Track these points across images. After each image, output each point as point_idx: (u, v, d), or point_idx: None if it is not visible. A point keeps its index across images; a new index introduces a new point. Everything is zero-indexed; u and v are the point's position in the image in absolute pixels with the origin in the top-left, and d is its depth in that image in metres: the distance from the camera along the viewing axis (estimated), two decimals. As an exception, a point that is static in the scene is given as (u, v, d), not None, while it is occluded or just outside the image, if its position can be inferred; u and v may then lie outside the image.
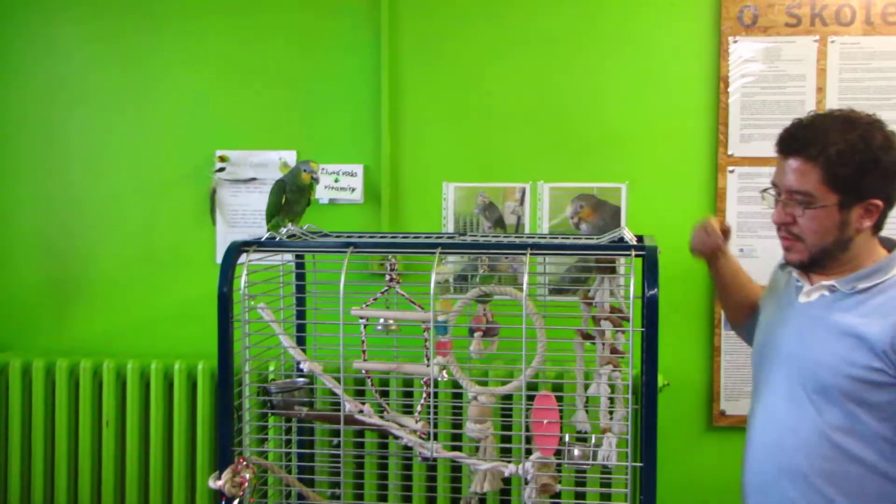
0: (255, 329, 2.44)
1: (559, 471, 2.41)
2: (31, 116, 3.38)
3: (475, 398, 2.37)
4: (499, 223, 3.16)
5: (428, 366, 2.30)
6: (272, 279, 2.63)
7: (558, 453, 2.31)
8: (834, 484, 1.94)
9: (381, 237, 2.73)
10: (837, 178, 1.93)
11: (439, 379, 2.39)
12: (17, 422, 3.24)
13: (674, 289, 2.96)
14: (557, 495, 2.33)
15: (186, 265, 3.31)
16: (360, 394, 2.88)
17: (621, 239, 2.36)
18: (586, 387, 2.46)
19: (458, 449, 2.43)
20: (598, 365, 2.38)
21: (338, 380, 2.35)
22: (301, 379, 2.64)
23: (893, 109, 2.93)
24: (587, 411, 2.48)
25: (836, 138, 1.93)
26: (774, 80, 3.02)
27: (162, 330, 3.32)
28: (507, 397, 2.74)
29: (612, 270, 2.43)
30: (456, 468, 2.95)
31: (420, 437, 2.37)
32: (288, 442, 2.83)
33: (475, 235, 2.81)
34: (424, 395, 2.38)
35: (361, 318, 2.36)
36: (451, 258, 2.89)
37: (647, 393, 2.13)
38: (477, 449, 2.43)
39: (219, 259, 3.18)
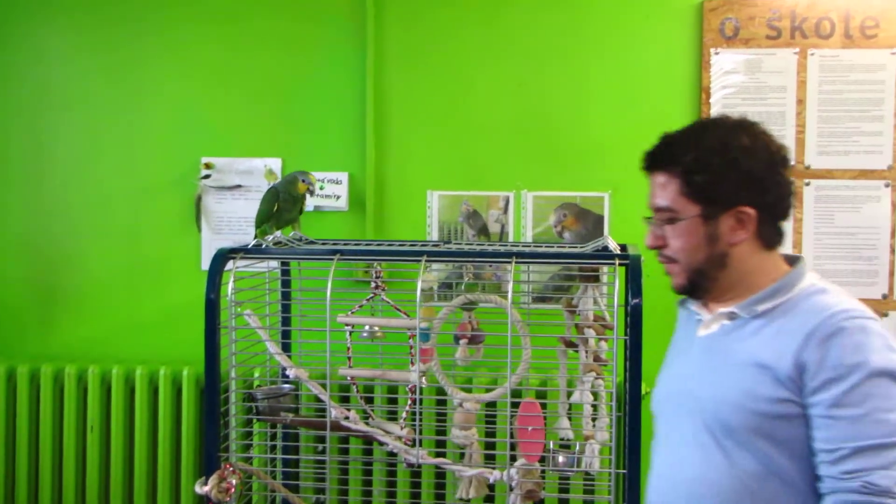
0: (241, 335, 2.45)
1: (544, 477, 2.43)
2: (18, 123, 3.38)
3: (460, 405, 2.38)
4: (483, 231, 3.18)
5: (412, 372, 2.31)
6: (258, 286, 2.64)
7: (543, 460, 2.32)
8: None
9: (367, 245, 2.75)
10: (695, 187, 1.73)
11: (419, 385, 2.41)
12: (0, 427, 3.23)
13: (657, 297, 2.98)
14: (542, 502, 2.35)
15: (171, 272, 3.31)
16: (345, 400, 2.89)
17: (605, 248, 2.38)
18: (569, 394, 2.48)
19: (443, 455, 2.44)
20: (582, 373, 2.40)
21: (324, 386, 2.36)
22: (287, 385, 2.65)
23: (872, 121, 2.99)
24: (570, 419, 2.50)
25: (693, 145, 1.76)
26: (755, 92, 3.06)
27: (147, 336, 3.31)
28: (492, 404, 2.76)
29: (596, 279, 2.46)
30: (441, 474, 2.97)
31: (405, 444, 2.38)
32: (273, 448, 2.83)
33: (460, 243, 2.83)
34: (409, 401, 2.39)
35: (347, 324, 2.37)
36: (435, 266, 2.91)
37: (631, 401, 2.14)
38: (462, 455, 2.43)
39: (204, 266, 3.20)
